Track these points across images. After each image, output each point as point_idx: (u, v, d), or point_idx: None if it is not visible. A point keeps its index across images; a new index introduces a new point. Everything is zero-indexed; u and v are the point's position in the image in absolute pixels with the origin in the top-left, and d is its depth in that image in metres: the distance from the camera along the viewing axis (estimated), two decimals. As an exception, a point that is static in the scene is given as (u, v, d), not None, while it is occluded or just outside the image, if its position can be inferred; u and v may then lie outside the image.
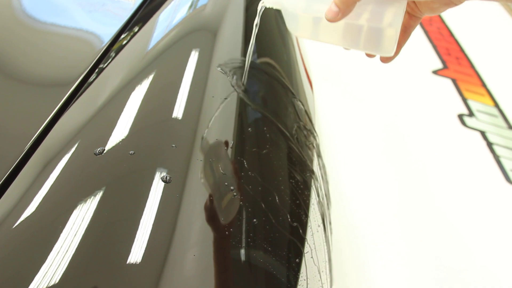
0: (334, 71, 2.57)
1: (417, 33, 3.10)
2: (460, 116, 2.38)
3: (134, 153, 0.57)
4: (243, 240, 0.54)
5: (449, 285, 1.54)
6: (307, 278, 0.58)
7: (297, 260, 0.58)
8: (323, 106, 2.27)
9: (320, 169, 0.80)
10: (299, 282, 0.56)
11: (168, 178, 0.56)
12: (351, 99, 2.38)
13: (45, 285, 0.44)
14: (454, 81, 2.65)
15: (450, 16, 3.32)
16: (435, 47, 2.96)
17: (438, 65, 2.79)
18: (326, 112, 2.24)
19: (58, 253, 0.47)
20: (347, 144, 2.08)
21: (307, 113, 0.87)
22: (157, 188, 0.54)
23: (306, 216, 0.64)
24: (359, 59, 2.71)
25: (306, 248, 0.61)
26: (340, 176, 1.90)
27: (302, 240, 0.61)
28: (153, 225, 0.51)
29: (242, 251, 0.53)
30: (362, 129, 2.19)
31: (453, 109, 2.42)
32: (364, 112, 2.30)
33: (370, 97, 2.42)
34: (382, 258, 1.60)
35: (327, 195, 0.81)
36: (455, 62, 2.83)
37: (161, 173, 0.56)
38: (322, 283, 0.64)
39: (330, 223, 0.80)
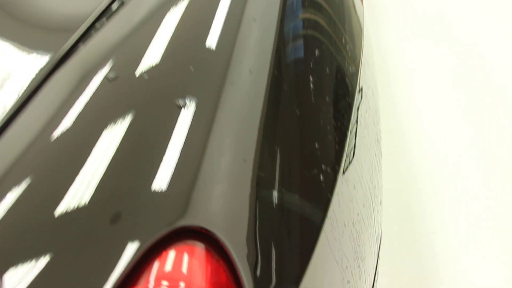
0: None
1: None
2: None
3: (148, 78, 0.53)
4: (267, 171, 0.49)
5: None
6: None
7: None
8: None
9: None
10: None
11: (183, 103, 0.51)
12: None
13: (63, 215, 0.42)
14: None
15: None
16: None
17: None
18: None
19: (76, 180, 0.45)
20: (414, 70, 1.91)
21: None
22: (172, 113, 0.50)
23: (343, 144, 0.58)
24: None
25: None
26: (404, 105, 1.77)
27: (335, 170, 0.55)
28: (167, 151, 0.47)
29: (267, 181, 0.48)
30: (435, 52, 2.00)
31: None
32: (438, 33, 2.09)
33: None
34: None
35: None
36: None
37: (176, 97, 0.52)
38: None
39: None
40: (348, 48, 0.71)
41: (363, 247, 0.57)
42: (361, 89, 0.69)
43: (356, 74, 0.69)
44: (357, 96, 0.65)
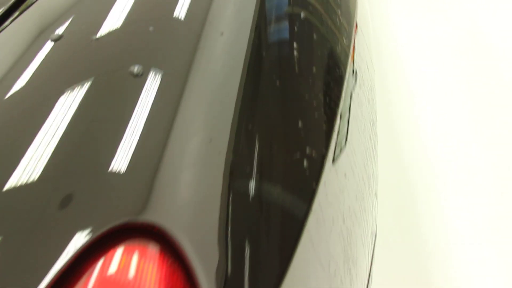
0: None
1: None
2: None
3: (97, 39, 0.44)
4: (239, 154, 0.40)
5: None
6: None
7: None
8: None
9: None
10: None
11: (139, 70, 0.42)
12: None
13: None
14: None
15: None
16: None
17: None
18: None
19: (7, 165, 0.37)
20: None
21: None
22: (124, 83, 0.42)
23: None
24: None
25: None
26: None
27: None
28: (117, 129, 0.40)
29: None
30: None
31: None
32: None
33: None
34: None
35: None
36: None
37: (130, 63, 0.42)
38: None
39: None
40: (339, 13, 0.62)
41: (355, 247, 0.49)
42: (354, 71, 0.61)
43: (348, 43, 0.61)
44: (349, 71, 0.57)
